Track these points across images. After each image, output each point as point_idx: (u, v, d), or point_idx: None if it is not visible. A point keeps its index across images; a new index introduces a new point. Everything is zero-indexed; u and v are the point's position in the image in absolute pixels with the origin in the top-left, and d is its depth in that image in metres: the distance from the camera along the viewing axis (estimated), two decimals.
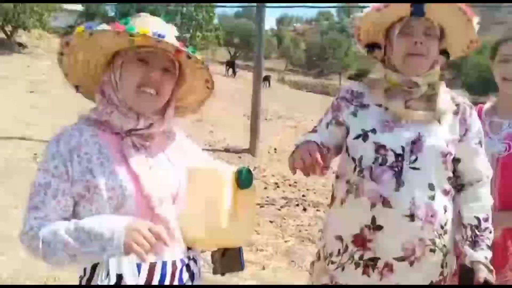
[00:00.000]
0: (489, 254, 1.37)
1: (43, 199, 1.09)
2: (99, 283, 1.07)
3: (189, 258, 1.24)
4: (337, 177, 1.53)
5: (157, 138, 1.23)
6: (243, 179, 1.22)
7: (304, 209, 5.13)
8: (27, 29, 19.81)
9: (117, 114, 1.15)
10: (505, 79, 1.72)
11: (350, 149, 1.45)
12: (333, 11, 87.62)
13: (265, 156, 8.38)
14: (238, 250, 1.28)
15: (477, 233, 1.39)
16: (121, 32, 1.08)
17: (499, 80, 1.75)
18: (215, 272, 1.31)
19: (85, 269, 1.14)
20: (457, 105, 1.46)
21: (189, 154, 1.34)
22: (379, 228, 1.35)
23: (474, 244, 1.38)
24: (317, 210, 5.17)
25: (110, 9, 35.67)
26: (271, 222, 4.56)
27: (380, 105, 1.44)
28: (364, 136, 1.40)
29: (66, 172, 1.10)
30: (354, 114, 1.47)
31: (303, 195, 5.78)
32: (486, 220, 1.41)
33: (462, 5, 1.35)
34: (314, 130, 1.56)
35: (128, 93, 1.15)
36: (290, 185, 6.28)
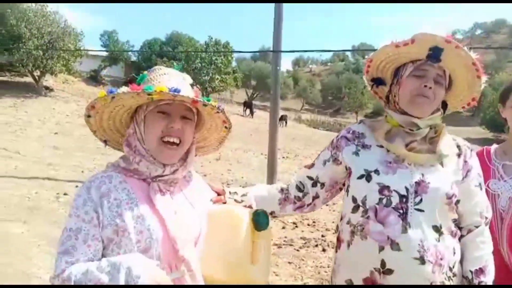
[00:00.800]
0: None
1: (74, 243, 1.12)
2: None
3: None
4: (341, 218, 1.51)
5: (180, 182, 1.29)
6: (260, 221, 1.25)
7: (323, 250, 5.01)
8: (54, 74, 20.84)
9: (145, 163, 1.22)
10: None
11: (353, 189, 1.44)
12: (348, 53, 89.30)
13: None
14: None
15: None
16: (140, 93, 1.17)
17: (511, 123, 1.77)
18: None
19: None
20: (458, 147, 1.46)
21: (205, 193, 1.40)
22: (390, 272, 1.32)
23: None
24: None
25: (133, 55, 37.35)
26: (289, 263, 4.48)
27: (382, 146, 1.44)
28: (367, 176, 1.39)
29: (97, 217, 1.14)
30: (356, 153, 1.47)
31: (322, 235, 5.68)
32: (481, 272, 1.39)
33: (476, 61, 1.37)
34: (311, 164, 1.61)
35: (152, 144, 1.22)
36: (308, 224, 6.19)
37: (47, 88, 20.30)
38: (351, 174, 1.46)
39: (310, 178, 1.59)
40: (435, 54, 1.37)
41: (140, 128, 1.23)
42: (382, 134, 1.44)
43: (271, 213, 1.55)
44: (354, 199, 1.41)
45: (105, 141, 1.35)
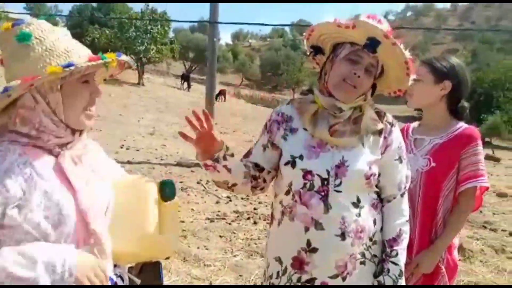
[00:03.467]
0: (395, 272, 1.45)
1: None
2: None
3: (116, 275, 1.20)
4: (275, 195, 1.58)
5: (86, 152, 1.19)
6: (167, 191, 1.24)
7: (255, 223, 5.11)
8: None
9: (55, 136, 1.10)
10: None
11: (282, 173, 1.50)
12: (287, 28, 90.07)
13: None
14: (158, 266, 1.27)
15: (384, 257, 1.48)
16: (36, 81, 1.01)
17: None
18: None
19: None
20: (380, 122, 1.50)
21: (108, 165, 1.32)
22: (315, 250, 1.41)
23: (382, 266, 1.47)
24: (268, 223, 5.17)
25: (60, 20, 34.50)
26: (220, 237, 4.51)
27: (307, 130, 1.48)
28: (292, 162, 1.45)
29: (6, 196, 0.99)
30: (284, 138, 1.51)
31: (255, 208, 5.78)
32: (394, 241, 1.48)
33: (409, 61, 1.41)
34: (249, 152, 1.59)
35: (74, 115, 1.11)
36: (242, 198, 6.26)
37: None
38: (280, 157, 1.50)
39: (255, 164, 1.56)
40: (372, 44, 1.39)
41: (51, 99, 1.07)
42: (308, 118, 1.47)
43: (233, 185, 1.51)
44: (285, 183, 1.49)
45: None
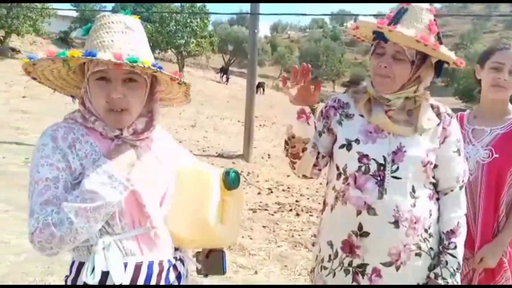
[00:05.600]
0: (453, 264, 1.42)
1: (56, 192, 1.04)
2: (84, 279, 1.05)
3: (176, 258, 1.23)
4: (327, 183, 1.59)
5: (146, 140, 1.22)
6: (231, 180, 1.23)
7: (297, 214, 5.12)
8: (20, 35, 19.77)
9: (100, 124, 1.15)
10: (494, 85, 1.74)
11: (335, 157, 1.52)
12: (327, 19, 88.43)
13: (258, 161, 8.39)
14: (221, 254, 1.28)
15: (441, 249, 1.45)
16: (55, 59, 1.07)
17: (487, 86, 1.78)
18: (198, 272, 1.30)
19: (70, 268, 1.14)
20: (439, 115, 1.49)
21: (176, 154, 1.35)
22: (366, 234, 1.40)
23: (439, 259, 1.44)
24: (310, 215, 5.16)
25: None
26: (264, 227, 4.55)
27: (363, 116, 1.49)
28: (348, 145, 1.46)
29: (69, 166, 1.07)
30: (340, 123, 1.52)
31: (297, 201, 5.78)
32: (452, 233, 1.45)
33: (421, 36, 1.34)
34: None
35: (100, 112, 1.15)
36: (283, 190, 6.28)
37: (13, 49, 19.28)
38: (335, 142, 1.51)
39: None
40: (379, 36, 1.41)
41: (87, 89, 1.15)
42: (363, 104, 1.49)
43: (305, 149, 1.50)
44: (337, 167, 1.49)
45: (72, 96, 1.27)
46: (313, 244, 1.58)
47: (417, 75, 1.44)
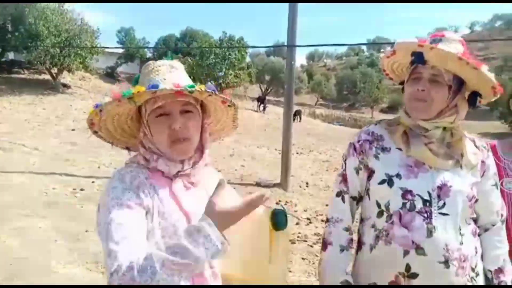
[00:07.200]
0: None
1: (130, 229, 1.04)
2: None
3: None
4: (361, 220, 1.51)
5: (200, 174, 1.28)
6: (279, 220, 1.23)
7: None
8: (71, 71, 21.15)
9: (163, 162, 1.21)
10: None
11: (375, 194, 1.44)
12: (364, 47, 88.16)
13: (296, 190, 8.31)
14: None
15: None
16: (121, 99, 1.14)
17: None
18: None
19: None
20: (477, 147, 1.46)
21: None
22: (415, 276, 1.33)
23: None
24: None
25: (148, 51, 37.61)
26: (303, 259, 4.47)
27: (401, 149, 1.43)
28: (389, 181, 1.38)
29: (140, 203, 1.10)
30: (376, 157, 1.45)
31: None
32: (500, 271, 1.40)
33: (463, 55, 1.32)
34: (344, 179, 1.51)
35: (163, 148, 1.21)
36: (322, 220, 6.16)
37: (64, 85, 20.63)
38: (372, 177, 1.44)
39: (354, 198, 1.51)
40: (417, 58, 1.38)
41: (147, 130, 1.22)
42: (399, 137, 1.43)
43: None
44: (378, 204, 1.42)
45: (127, 148, 1.34)
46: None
47: (454, 104, 1.40)
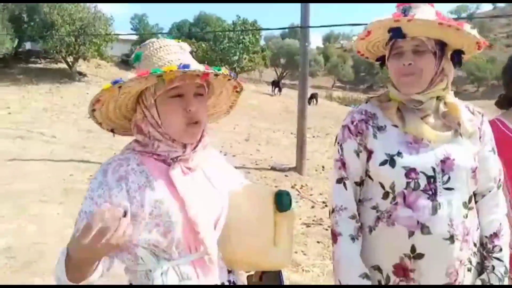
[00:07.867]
0: (500, 269, 1.34)
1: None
2: None
3: (229, 282, 1.22)
4: (359, 201, 1.43)
5: (198, 159, 1.23)
6: (283, 202, 1.21)
7: None
8: (86, 59, 21.33)
9: (164, 146, 1.17)
10: None
11: (377, 176, 1.36)
12: None
13: (312, 174, 8.24)
14: (278, 273, 1.26)
15: (486, 254, 1.37)
16: (148, 77, 1.08)
17: None
18: None
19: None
20: (472, 114, 1.42)
21: (225, 171, 1.34)
22: (420, 256, 1.29)
23: (483, 264, 1.37)
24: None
25: (162, 37, 37.61)
26: (318, 242, 4.43)
27: (396, 126, 1.37)
28: (391, 161, 1.32)
29: (110, 202, 1.08)
30: (375, 136, 1.37)
31: None
32: (495, 236, 1.37)
33: (442, 19, 1.26)
34: (343, 166, 1.41)
35: (175, 130, 1.16)
36: None
37: (80, 73, 20.84)
38: (371, 158, 1.37)
39: (356, 183, 1.43)
40: (396, 33, 1.31)
41: (152, 112, 1.16)
42: (394, 114, 1.37)
43: None
44: (382, 186, 1.35)
45: (112, 130, 1.29)
46: None
47: (441, 68, 1.34)
